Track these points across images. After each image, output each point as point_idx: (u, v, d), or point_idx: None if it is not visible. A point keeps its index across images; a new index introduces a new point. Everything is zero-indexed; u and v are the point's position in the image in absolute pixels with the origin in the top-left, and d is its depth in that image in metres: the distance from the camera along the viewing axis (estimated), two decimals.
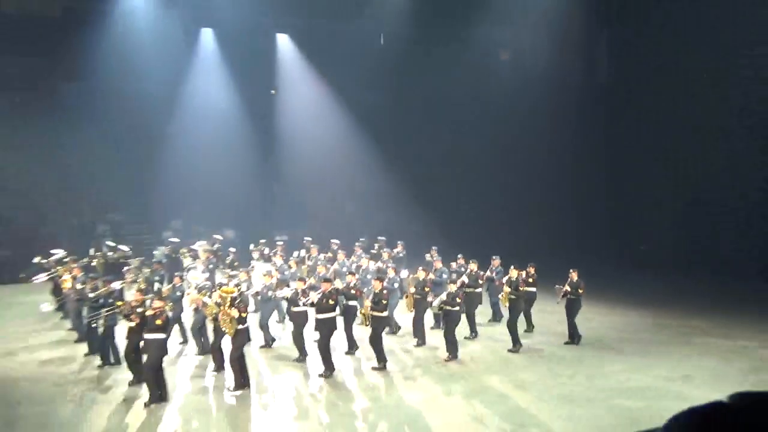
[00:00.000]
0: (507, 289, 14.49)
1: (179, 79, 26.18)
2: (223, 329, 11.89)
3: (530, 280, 15.10)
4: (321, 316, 12.62)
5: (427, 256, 18.17)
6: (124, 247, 19.02)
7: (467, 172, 28.12)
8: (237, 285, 13.11)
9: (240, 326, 11.72)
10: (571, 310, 14.61)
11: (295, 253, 18.98)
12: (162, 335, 11.30)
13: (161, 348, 11.32)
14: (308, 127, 27.87)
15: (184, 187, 25.37)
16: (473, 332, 15.16)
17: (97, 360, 13.38)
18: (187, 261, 18.29)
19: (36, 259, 17.54)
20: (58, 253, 17.46)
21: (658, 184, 24.52)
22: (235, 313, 11.58)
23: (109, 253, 18.67)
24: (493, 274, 15.96)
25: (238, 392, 11.67)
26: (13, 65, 23.67)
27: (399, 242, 20.18)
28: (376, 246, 19.98)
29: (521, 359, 13.79)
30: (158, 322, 11.19)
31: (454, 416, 10.67)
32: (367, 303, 13.26)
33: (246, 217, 26.26)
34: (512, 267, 14.84)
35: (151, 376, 11.19)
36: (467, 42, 27.56)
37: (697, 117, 22.88)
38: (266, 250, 19.15)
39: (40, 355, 14.18)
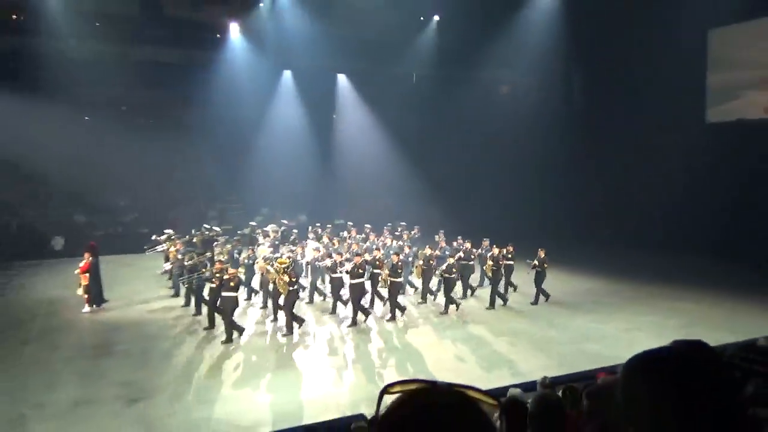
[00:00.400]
0: (490, 262, 14.97)
1: (265, 106, 27.43)
2: (279, 290, 12.46)
3: (509, 255, 15.57)
4: (353, 281, 13.16)
5: (436, 237, 18.58)
6: (216, 228, 19.25)
7: (475, 174, 28.80)
8: (290, 257, 13.45)
9: (291, 288, 12.24)
10: (538, 279, 15.08)
11: (341, 234, 19.44)
12: (234, 294, 11.88)
13: (233, 303, 11.96)
14: (357, 140, 28.97)
15: (268, 184, 26.48)
16: (465, 294, 15.68)
17: (190, 310, 14.06)
18: (260, 239, 18.21)
19: (153, 237, 18.00)
20: (169, 231, 17.84)
21: (624, 182, 24.97)
22: (287, 278, 12.15)
23: (206, 232, 18.80)
24: (482, 251, 16.12)
25: (289, 335, 12.17)
26: (148, 97, 25.44)
27: (416, 226, 20.44)
28: (399, 229, 20.10)
29: (503, 314, 14.21)
30: (232, 284, 11.80)
31: (444, 356, 11.08)
32: (386, 271, 13.72)
33: (311, 205, 27.37)
34: (494, 246, 15.46)
35: (227, 323, 11.81)
36: (476, 80, 28.53)
37: (643, 130, 23.65)
38: (318, 231, 19.39)
39: (150, 305, 14.83)
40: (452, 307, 14.33)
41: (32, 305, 14.80)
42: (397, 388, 0.95)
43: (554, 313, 14.53)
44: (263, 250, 15.45)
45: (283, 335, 12.27)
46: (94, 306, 14.21)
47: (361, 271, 13.27)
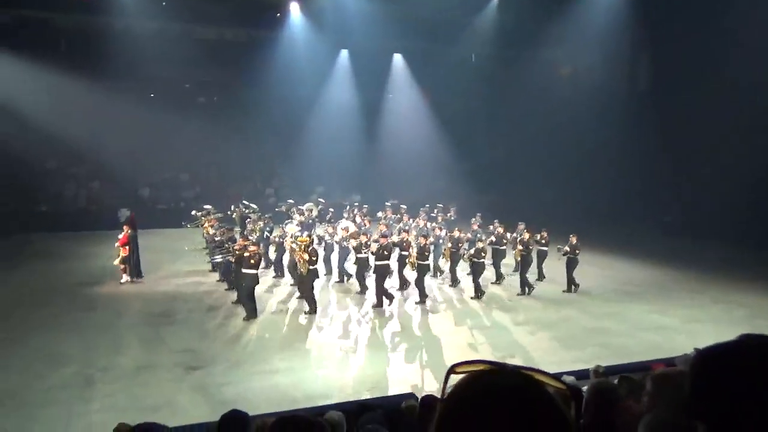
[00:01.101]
0: (519, 247, 14.55)
1: (322, 85, 27.38)
2: (300, 269, 12.21)
3: (543, 241, 15.05)
4: (378, 262, 12.97)
5: (472, 221, 17.94)
6: (253, 205, 18.88)
7: (532, 157, 27.94)
8: (310, 235, 13.35)
9: (311, 267, 12.00)
10: (570, 266, 14.51)
11: (377, 214, 18.87)
12: (254, 271, 11.72)
13: (254, 279, 11.79)
14: (411, 121, 28.68)
15: (324, 163, 26.55)
16: (498, 279, 15.26)
17: (224, 285, 14.14)
18: (296, 216, 17.68)
19: (193, 212, 17.82)
20: (208, 207, 17.71)
21: (690, 168, 23.92)
22: (306, 256, 11.94)
23: (244, 210, 18.62)
24: (516, 235, 15.53)
25: (310, 314, 12.11)
26: (212, 76, 25.95)
27: (452, 209, 19.87)
28: (435, 211, 19.56)
29: (532, 302, 13.72)
30: (252, 261, 11.67)
31: (457, 342, 10.83)
32: (414, 254, 13.46)
33: (365, 185, 27.41)
34: (524, 230, 14.86)
35: (246, 299, 11.80)
36: (536, 61, 27.77)
37: (713, 114, 22.07)
38: (355, 211, 18.92)
39: (208, 278, 15.17)
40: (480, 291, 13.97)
41: (98, 273, 15.50)
42: (464, 368, 0.95)
43: (610, 301, 14.18)
44: (292, 228, 15.33)
45: (305, 314, 12.19)
46: (134, 278, 14.57)
47: (386, 252, 13.04)
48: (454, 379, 0.93)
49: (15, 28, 23.35)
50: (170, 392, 8.43)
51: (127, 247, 14.37)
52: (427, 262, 13.56)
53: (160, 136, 24.51)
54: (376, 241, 13.58)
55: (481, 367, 0.94)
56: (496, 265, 15.39)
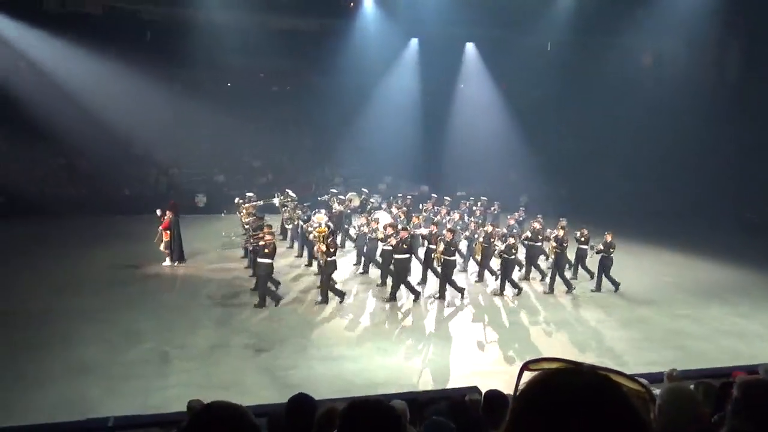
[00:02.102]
0: (553, 243, 13.91)
1: (391, 74, 27.29)
2: (320, 259, 12.13)
3: (582, 239, 14.36)
4: (398, 256, 12.47)
5: (510, 216, 17.31)
6: (292, 194, 18.18)
7: (609, 149, 27.07)
8: (329, 226, 12.98)
9: (329, 258, 11.81)
10: (604, 266, 13.73)
11: (420, 206, 18.30)
12: (268, 260, 11.66)
13: (267, 269, 11.77)
14: (483, 111, 27.98)
15: (392, 153, 26.17)
16: (528, 276, 14.59)
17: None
18: (336, 207, 17.45)
19: (236, 199, 17.63)
20: (250, 194, 17.63)
21: None
22: (324, 247, 11.74)
23: (282, 198, 17.77)
24: (557, 232, 14.44)
25: (323, 304, 11.94)
26: (286, 65, 26.40)
27: (496, 203, 19.34)
28: (477, 203, 18.90)
29: (564, 301, 13.18)
30: (266, 251, 11.61)
31: (465, 340, 10.54)
32: (441, 248, 12.74)
33: (434, 176, 26.86)
34: (560, 226, 14.11)
35: (260, 287, 11.82)
36: (616, 48, 26.71)
37: None
38: (399, 202, 18.55)
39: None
40: (511, 289, 13.48)
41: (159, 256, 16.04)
42: (538, 366, 0.93)
43: (688, 303, 13.54)
44: (320, 217, 14.94)
45: (317, 304, 12.00)
46: (176, 262, 14.87)
47: (405, 246, 12.50)
48: (527, 376, 0.91)
49: (104, 19, 24.65)
50: (240, 372, 8.76)
51: (168, 232, 14.68)
52: (453, 258, 13.00)
53: (235, 124, 25.24)
54: (394, 234, 12.80)
55: (555, 365, 0.92)
56: (528, 262, 14.74)
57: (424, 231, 14.19)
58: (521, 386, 0.91)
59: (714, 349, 10.21)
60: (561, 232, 13.98)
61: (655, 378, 5.93)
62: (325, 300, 12.07)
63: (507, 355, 9.92)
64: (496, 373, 8.87)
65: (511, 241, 13.33)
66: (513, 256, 13.33)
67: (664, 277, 15.01)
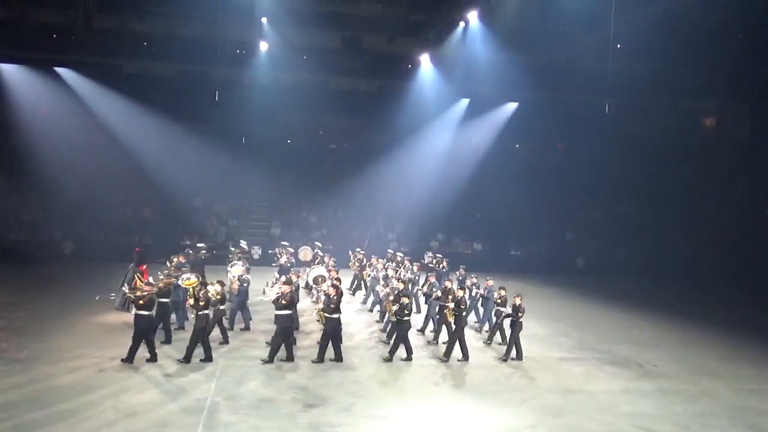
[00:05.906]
0: (451, 306, 12.39)
1: (445, 132, 27.87)
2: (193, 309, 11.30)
3: (498, 300, 13.47)
4: (278, 312, 11.43)
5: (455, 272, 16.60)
6: (244, 246, 18.40)
7: (667, 213, 26.57)
8: (198, 277, 12.26)
9: (200, 312, 11.02)
10: (514, 330, 12.39)
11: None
12: (147, 312, 10.99)
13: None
14: (536, 170, 28.17)
15: (445, 210, 26.48)
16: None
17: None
18: (283, 259, 17.50)
19: (231, 248, 18.12)
20: (243, 246, 18.06)
21: None
22: (192, 301, 11.17)
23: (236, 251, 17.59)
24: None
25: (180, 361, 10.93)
26: (344, 124, 27.68)
27: (445, 260, 18.27)
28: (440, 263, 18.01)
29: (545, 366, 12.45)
30: (141, 302, 10.95)
31: (443, 409, 9.48)
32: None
33: (489, 234, 27.06)
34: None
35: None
36: (675, 110, 26.34)
37: None
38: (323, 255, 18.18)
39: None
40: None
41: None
42: None
43: (760, 377, 12.41)
44: (237, 269, 14.81)
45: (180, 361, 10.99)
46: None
47: (284, 302, 11.37)
48: None
49: (176, 81, 26.26)
50: (287, 428, 8.52)
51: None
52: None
53: (294, 179, 26.20)
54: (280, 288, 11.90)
55: None
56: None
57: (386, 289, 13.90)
58: None
59: None
60: (460, 294, 12.78)
61: None
62: (187, 358, 11.00)
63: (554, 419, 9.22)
64: None
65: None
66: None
67: (730, 349, 13.91)
